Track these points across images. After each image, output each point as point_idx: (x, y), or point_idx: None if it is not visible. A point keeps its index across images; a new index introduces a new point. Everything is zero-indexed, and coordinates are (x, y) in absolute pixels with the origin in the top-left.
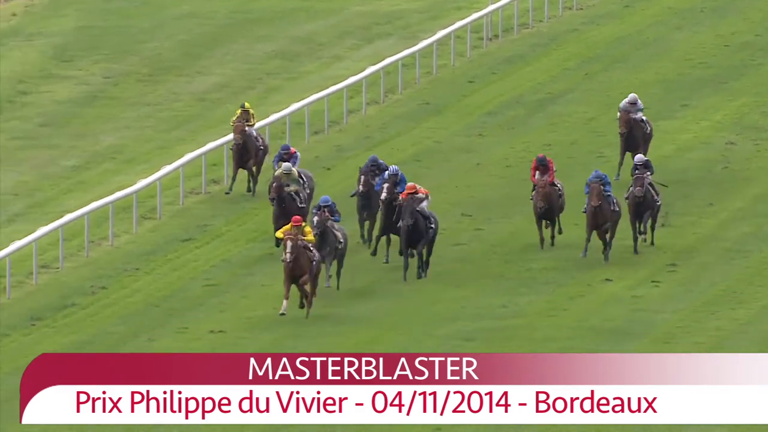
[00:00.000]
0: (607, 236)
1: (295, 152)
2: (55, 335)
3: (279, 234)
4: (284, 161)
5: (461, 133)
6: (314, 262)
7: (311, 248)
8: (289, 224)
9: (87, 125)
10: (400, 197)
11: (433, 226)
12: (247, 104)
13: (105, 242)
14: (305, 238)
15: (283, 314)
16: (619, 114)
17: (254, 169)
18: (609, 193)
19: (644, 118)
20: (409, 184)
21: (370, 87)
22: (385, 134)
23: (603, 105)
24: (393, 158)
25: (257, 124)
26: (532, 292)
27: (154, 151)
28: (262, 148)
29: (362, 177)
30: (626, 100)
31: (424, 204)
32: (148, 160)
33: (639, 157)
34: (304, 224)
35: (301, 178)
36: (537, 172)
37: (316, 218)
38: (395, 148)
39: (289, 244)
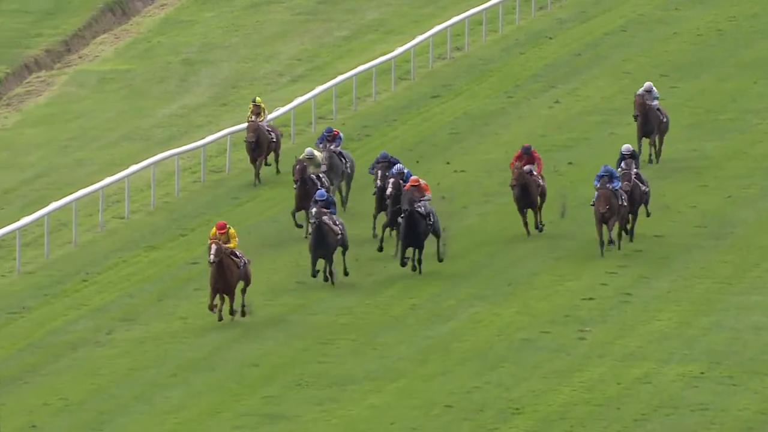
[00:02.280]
0: (614, 230)
1: (338, 133)
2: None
3: (211, 233)
4: (328, 141)
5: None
6: (241, 267)
7: (237, 254)
8: (214, 230)
9: (355, 2)
10: (404, 189)
11: (431, 223)
12: (258, 99)
13: None
14: (229, 245)
15: (219, 317)
16: (634, 99)
17: (268, 159)
18: (616, 188)
19: (660, 107)
20: (413, 177)
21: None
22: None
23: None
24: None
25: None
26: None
27: (409, 24)
28: (274, 140)
29: (378, 172)
30: (642, 88)
31: (425, 201)
32: (403, 31)
33: (626, 147)
34: (229, 228)
35: (342, 157)
36: (517, 161)
37: (313, 210)
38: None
39: (213, 247)
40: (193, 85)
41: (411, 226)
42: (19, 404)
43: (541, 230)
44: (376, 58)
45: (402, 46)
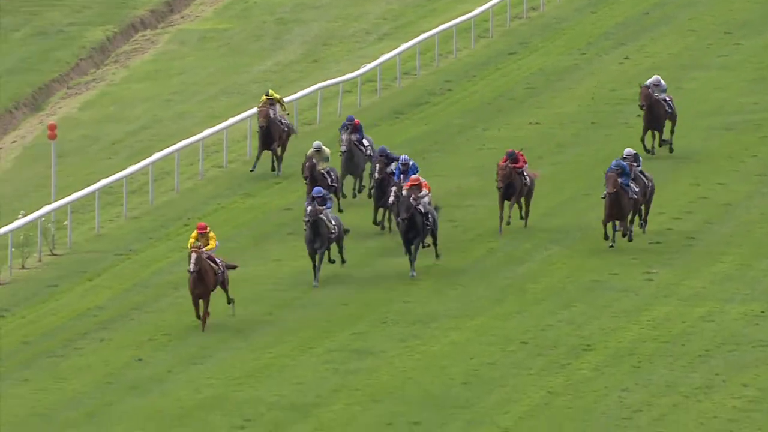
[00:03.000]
0: (627, 222)
1: (359, 123)
2: None
3: (192, 235)
4: (350, 131)
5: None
6: (219, 274)
7: (216, 260)
8: (195, 232)
9: None
10: (404, 188)
11: (429, 223)
12: (271, 91)
13: None
14: (208, 246)
15: (197, 315)
16: (640, 90)
17: (278, 150)
18: (627, 183)
19: (667, 98)
20: (413, 176)
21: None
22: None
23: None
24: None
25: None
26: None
27: None
28: (286, 130)
29: (377, 166)
30: (650, 80)
31: (425, 199)
32: None
33: (628, 150)
34: (208, 230)
35: (362, 145)
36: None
37: (309, 208)
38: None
39: (193, 256)
40: (286, 43)
41: (410, 225)
42: (126, 339)
43: (525, 224)
44: (457, 17)
45: (481, 6)
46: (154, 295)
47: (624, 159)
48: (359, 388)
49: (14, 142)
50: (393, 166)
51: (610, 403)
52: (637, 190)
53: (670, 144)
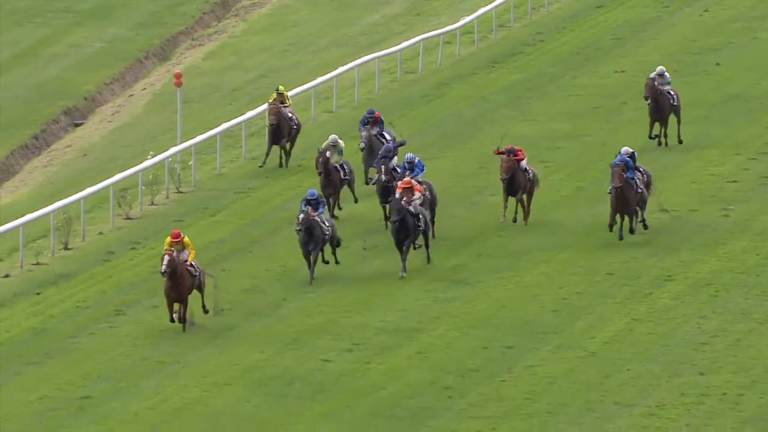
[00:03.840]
0: (635, 217)
1: (379, 116)
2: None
3: (166, 242)
4: (368, 124)
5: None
6: (196, 276)
7: (192, 264)
8: (168, 239)
9: None
10: (397, 189)
11: (421, 224)
12: (281, 87)
13: None
14: (190, 256)
15: (170, 319)
16: (646, 82)
17: (287, 146)
18: (632, 177)
19: (671, 91)
20: (406, 179)
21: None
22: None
23: None
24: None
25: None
26: None
27: None
28: (295, 126)
29: (383, 167)
30: (655, 71)
31: (417, 201)
32: None
33: (626, 149)
34: (182, 237)
35: (384, 138)
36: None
37: (301, 216)
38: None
39: (166, 258)
40: None
41: (401, 225)
42: (244, 270)
43: (525, 222)
44: None
45: None
46: (270, 230)
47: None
48: (457, 315)
49: (144, 89)
50: (395, 161)
51: (689, 329)
52: (639, 183)
53: (678, 135)
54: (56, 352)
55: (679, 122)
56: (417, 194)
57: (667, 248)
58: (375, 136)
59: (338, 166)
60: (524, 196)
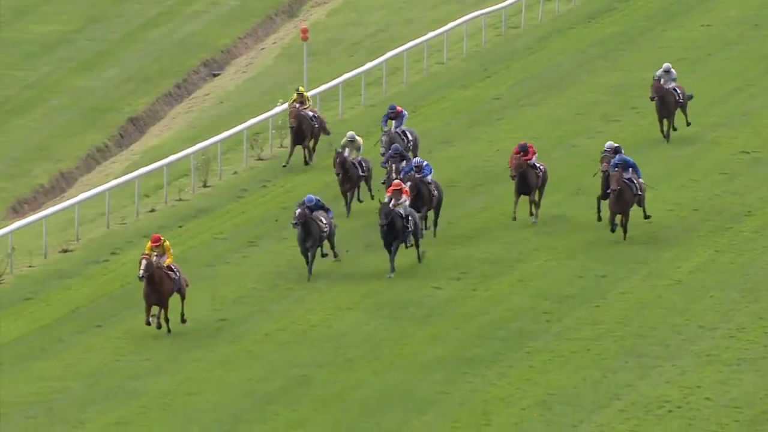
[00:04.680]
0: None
1: (402, 111)
2: None
3: (146, 247)
4: (392, 119)
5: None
6: (175, 279)
7: (171, 267)
8: (149, 243)
9: None
10: (386, 193)
11: (409, 226)
12: (301, 88)
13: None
14: (167, 261)
15: (157, 325)
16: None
17: (310, 144)
18: (630, 177)
19: (677, 88)
20: (395, 181)
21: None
22: None
23: None
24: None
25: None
26: None
27: None
28: (316, 126)
29: (393, 166)
30: (661, 69)
31: (405, 204)
32: None
33: (609, 144)
34: (163, 240)
35: (406, 136)
36: (516, 154)
37: (298, 211)
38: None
39: (143, 263)
40: None
41: (390, 227)
42: (358, 209)
43: (534, 218)
44: None
45: None
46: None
47: (605, 152)
48: (555, 247)
49: (274, 43)
50: (404, 163)
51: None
52: (637, 184)
53: (687, 121)
54: (197, 278)
55: (685, 114)
56: (404, 197)
57: (748, 186)
58: (396, 132)
59: (356, 163)
60: (536, 192)
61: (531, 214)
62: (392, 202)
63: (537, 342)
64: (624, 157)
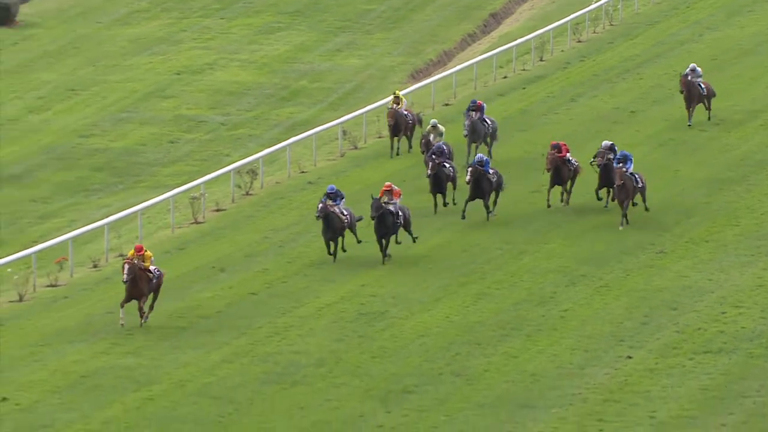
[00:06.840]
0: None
1: (481, 104)
2: None
3: (129, 253)
4: (473, 111)
5: None
6: (153, 281)
7: (150, 270)
8: (132, 251)
9: None
10: (377, 196)
11: (400, 221)
12: (397, 92)
13: None
14: (145, 265)
15: (122, 324)
16: (680, 79)
17: (407, 136)
18: (629, 170)
19: (701, 83)
20: (387, 183)
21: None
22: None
23: None
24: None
25: None
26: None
27: None
28: (411, 122)
29: (431, 163)
30: (688, 68)
31: (396, 201)
32: None
33: (605, 143)
34: (144, 251)
35: (485, 122)
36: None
37: (320, 205)
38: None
39: (126, 267)
40: None
41: (381, 223)
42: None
43: (567, 203)
44: None
45: None
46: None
47: (600, 150)
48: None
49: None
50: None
51: None
52: (639, 176)
53: (708, 115)
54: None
55: (708, 109)
56: (395, 199)
57: None
58: (477, 119)
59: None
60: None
61: (561, 201)
62: (383, 199)
63: None
64: (624, 153)
